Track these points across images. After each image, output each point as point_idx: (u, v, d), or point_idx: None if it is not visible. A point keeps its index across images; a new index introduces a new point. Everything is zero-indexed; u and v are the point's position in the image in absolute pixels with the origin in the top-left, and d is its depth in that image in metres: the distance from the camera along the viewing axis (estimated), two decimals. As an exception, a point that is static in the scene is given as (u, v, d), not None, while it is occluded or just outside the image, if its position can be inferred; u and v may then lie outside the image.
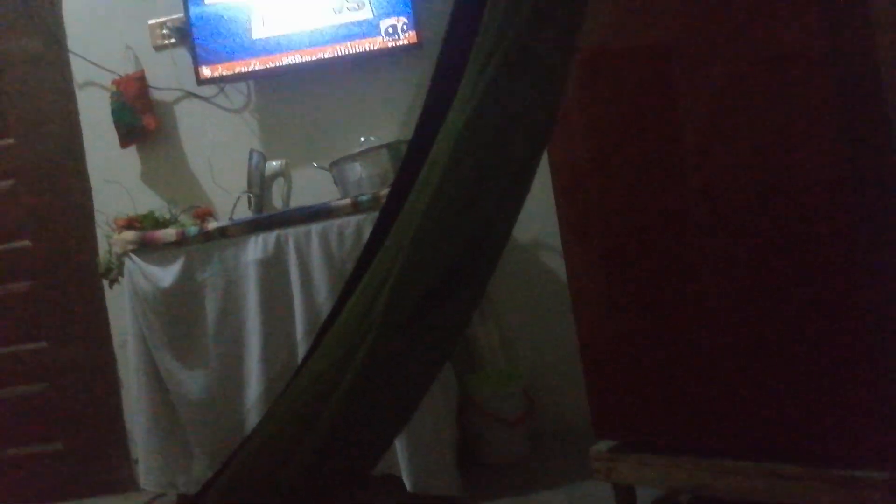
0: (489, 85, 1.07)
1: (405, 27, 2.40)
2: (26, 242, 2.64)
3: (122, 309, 2.23)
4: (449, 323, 1.12)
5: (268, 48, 2.44)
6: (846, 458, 1.29)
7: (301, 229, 2.04)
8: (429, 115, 1.24)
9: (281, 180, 2.37)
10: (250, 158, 2.31)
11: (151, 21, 2.61)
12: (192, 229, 2.12)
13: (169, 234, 2.13)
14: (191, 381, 2.08)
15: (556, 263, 2.37)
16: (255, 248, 2.06)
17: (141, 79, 2.57)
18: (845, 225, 1.27)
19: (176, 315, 2.10)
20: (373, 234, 1.34)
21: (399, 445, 1.91)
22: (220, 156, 2.59)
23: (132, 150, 2.64)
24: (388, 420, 1.16)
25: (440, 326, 1.11)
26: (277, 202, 2.36)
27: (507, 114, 1.08)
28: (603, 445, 1.63)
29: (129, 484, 2.56)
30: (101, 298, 2.62)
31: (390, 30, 2.40)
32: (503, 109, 1.08)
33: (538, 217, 2.07)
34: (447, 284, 1.08)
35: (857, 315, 1.27)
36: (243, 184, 2.30)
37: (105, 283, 2.31)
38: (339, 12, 2.41)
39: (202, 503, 1.28)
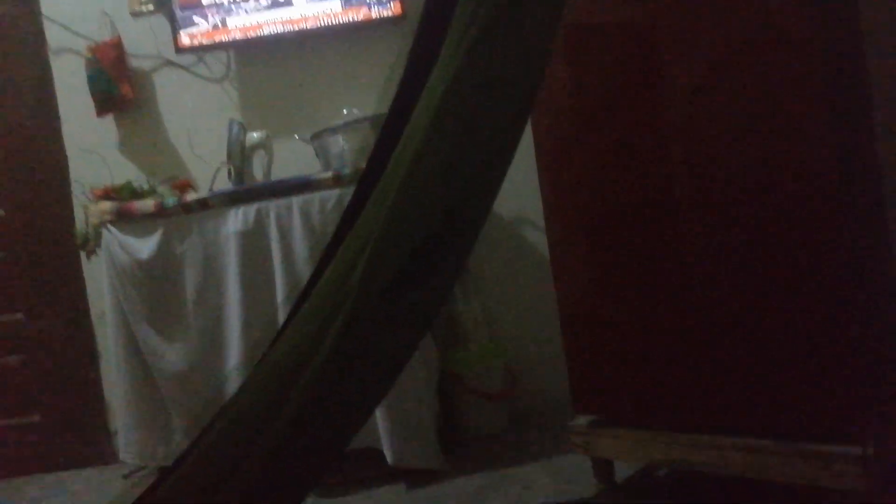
0: (470, 50, 1.05)
1: (389, -2, 2.36)
2: (1, 213, 2.59)
3: (100, 280, 2.21)
4: (428, 292, 1.10)
5: (250, 16, 2.39)
6: (820, 434, 1.31)
7: (282, 202, 2.02)
8: (408, 85, 1.22)
9: (262, 152, 2.33)
10: (230, 129, 2.27)
11: (129, -13, 2.55)
12: (171, 200, 2.09)
13: (147, 205, 2.10)
14: (170, 354, 2.07)
15: (538, 239, 2.37)
16: (235, 221, 2.04)
17: (118, 46, 2.51)
18: (827, 206, 1.28)
19: (155, 287, 2.07)
20: (351, 201, 1.31)
21: (380, 419, 1.92)
22: (199, 126, 2.55)
23: (109, 119, 2.58)
24: (364, 392, 1.15)
25: (419, 296, 1.09)
26: (258, 174, 2.33)
27: (488, 78, 1.06)
28: (582, 420, 1.65)
29: (108, 457, 2.55)
30: (79, 269, 2.59)
31: (374, 0, 2.37)
32: (485, 74, 1.06)
33: (521, 193, 2.07)
34: (426, 253, 1.07)
35: (830, 293, 1.29)
36: (223, 155, 2.27)
37: (82, 254, 2.28)
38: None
39: (176, 475, 1.27)
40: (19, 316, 2.59)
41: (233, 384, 1.97)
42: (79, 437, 2.59)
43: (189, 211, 2.07)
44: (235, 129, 2.27)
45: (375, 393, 1.20)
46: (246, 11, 2.40)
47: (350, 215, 1.25)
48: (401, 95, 1.24)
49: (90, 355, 2.62)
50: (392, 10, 2.36)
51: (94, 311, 2.60)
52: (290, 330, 1.21)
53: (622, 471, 1.70)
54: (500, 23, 1.05)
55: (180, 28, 2.42)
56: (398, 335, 1.11)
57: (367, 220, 1.12)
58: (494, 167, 1.10)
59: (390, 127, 1.24)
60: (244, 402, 1.22)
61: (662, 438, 1.51)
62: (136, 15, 2.57)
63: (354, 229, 1.15)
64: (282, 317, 1.94)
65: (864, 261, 1.35)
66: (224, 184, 2.26)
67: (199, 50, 2.48)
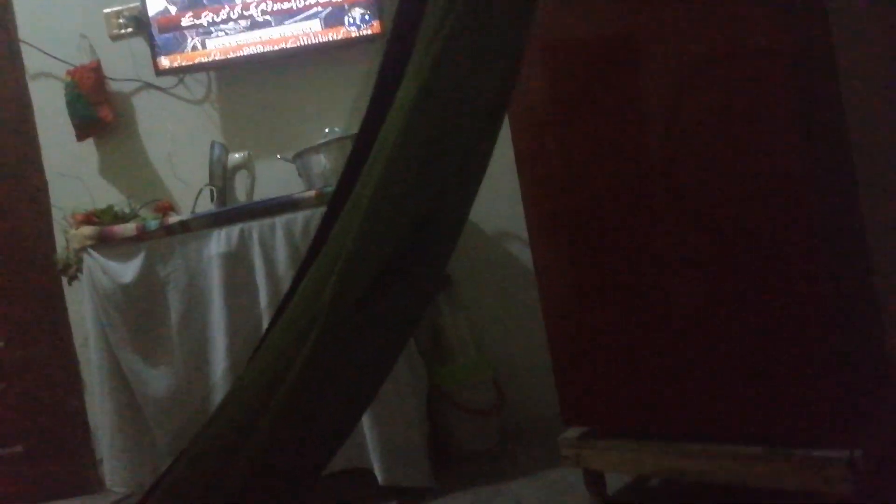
0: (435, 59, 1.05)
1: (368, 17, 2.37)
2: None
3: (82, 306, 2.18)
4: (401, 306, 1.09)
5: (230, 38, 2.40)
6: (808, 440, 1.32)
7: (265, 222, 2.01)
8: (378, 101, 1.22)
9: (244, 173, 2.33)
10: (212, 151, 2.27)
11: (107, 10, 2.55)
12: (153, 223, 2.07)
13: (128, 228, 2.08)
14: (155, 379, 2.04)
15: (523, 252, 2.37)
16: (218, 243, 2.03)
17: (97, 69, 2.50)
18: (803, 213, 1.29)
19: (138, 311, 2.05)
20: (324, 216, 1.30)
21: (369, 438, 1.91)
22: (180, 148, 2.54)
23: (89, 143, 2.57)
24: (340, 411, 1.12)
25: (392, 310, 1.08)
26: (241, 195, 2.32)
27: (455, 88, 1.06)
28: (571, 433, 1.64)
29: (94, 485, 2.51)
30: (61, 295, 2.56)
31: (354, 20, 2.38)
32: (451, 85, 1.06)
33: (505, 206, 2.08)
34: (397, 266, 1.05)
35: (817, 299, 1.29)
36: (205, 177, 2.26)
37: (64, 279, 2.25)
38: (305, 1, 2.38)
39: (153, 499, 1.24)
40: (0, 343, 2.55)
41: (217, 398, 1.95)
42: (64, 467, 2.54)
43: (171, 233, 2.06)
44: (217, 150, 2.27)
45: (353, 409, 1.17)
46: (226, 33, 2.41)
47: (323, 231, 1.24)
48: (371, 110, 1.24)
49: (74, 382, 2.58)
50: (371, 28, 2.38)
51: (76, 338, 2.56)
52: (264, 348, 1.20)
53: (614, 483, 1.69)
54: (465, 34, 1.05)
55: (159, 51, 2.41)
56: (373, 348, 1.10)
57: (338, 235, 1.11)
58: (467, 176, 1.09)
59: (362, 142, 1.24)
60: (218, 425, 1.20)
61: (653, 448, 1.50)
62: (114, 38, 2.56)
63: (326, 245, 1.14)
64: (267, 337, 1.93)
65: (843, 268, 1.36)
66: (207, 205, 2.24)
67: (179, 72, 2.48)
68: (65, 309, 2.58)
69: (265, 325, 1.96)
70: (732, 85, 1.34)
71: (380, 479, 1.91)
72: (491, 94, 1.08)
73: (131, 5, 2.51)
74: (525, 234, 1.72)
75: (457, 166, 1.07)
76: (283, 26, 2.39)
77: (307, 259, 1.26)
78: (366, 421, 1.90)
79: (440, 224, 1.08)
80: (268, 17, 2.39)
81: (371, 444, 1.90)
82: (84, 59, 2.52)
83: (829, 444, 1.28)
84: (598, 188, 1.54)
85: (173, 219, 2.10)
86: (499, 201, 2.11)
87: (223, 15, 2.40)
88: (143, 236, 2.06)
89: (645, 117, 1.45)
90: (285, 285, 1.95)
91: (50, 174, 2.59)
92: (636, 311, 1.52)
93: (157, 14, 2.41)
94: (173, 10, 2.41)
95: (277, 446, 1.10)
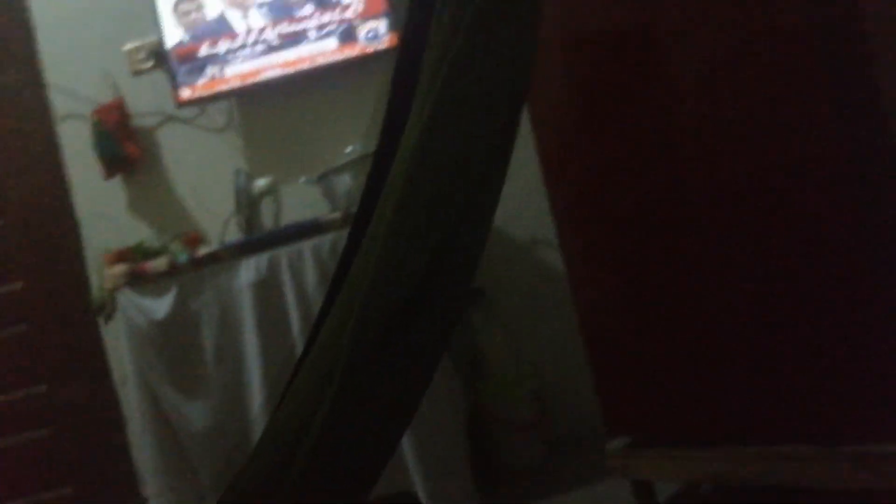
0: (445, 82, 1.03)
1: (382, 30, 2.36)
2: (18, 285, 2.61)
3: (120, 345, 2.21)
4: (422, 343, 1.08)
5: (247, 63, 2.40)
6: (860, 436, 1.27)
7: (293, 248, 2.01)
8: (390, 124, 1.21)
9: (269, 199, 2.33)
10: (236, 179, 2.28)
11: (128, 46, 2.57)
12: (183, 257, 2.09)
13: (160, 264, 2.11)
14: (193, 412, 2.06)
15: (555, 258, 2.32)
16: (247, 272, 2.03)
17: (120, 107, 2.53)
18: (846, 209, 1.25)
19: (173, 346, 2.07)
20: (346, 246, 1.30)
21: (411, 460, 1.89)
22: (205, 178, 2.55)
23: (117, 180, 2.60)
24: (370, 447, 1.12)
25: (413, 346, 1.07)
26: (268, 221, 2.33)
27: (467, 110, 1.04)
28: (618, 443, 1.60)
29: (142, 523, 2.54)
30: (98, 336, 2.59)
31: (370, 34, 2.36)
32: (463, 107, 1.04)
33: (532, 213, 2.04)
34: (414, 304, 1.04)
35: (860, 295, 1.25)
36: (231, 205, 2.27)
37: (100, 319, 2.28)
38: (318, 20, 2.37)
39: None
40: (43, 388, 2.59)
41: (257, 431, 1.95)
42: (112, 506, 2.58)
43: (201, 266, 2.07)
44: (241, 178, 2.28)
45: (384, 443, 1.17)
46: (243, 59, 2.41)
47: (343, 264, 1.23)
48: (385, 131, 1.23)
49: (117, 421, 2.61)
50: (387, 42, 2.36)
51: (116, 376, 2.59)
52: (293, 389, 1.19)
53: (664, 490, 1.64)
54: (473, 51, 1.02)
55: (180, 82, 2.43)
56: (398, 384, 1.09)
57: (356, 275, 1.11)
58: (481, 201, 1.08)
59: (375, 172, 1.23)
60: (256, 466, 1.19)
61: (702, 454, 1.46)
62: (136, 73, 2.59)
63: (346, 282, 1.13)
64: (301, 364, 1.92)
65: (889, 264, 1.30)
66: (235, 234, 2.25)
67: (200, 102, 2.49)
68: (103, 348, 2.61)
69: (299, 351, 1.96)
70: (763, 75, 1.29)
71: (423, 500, 1.89)
72: (503, 111, 1.06)
73: (150, 40, 2.53)
74: (554, 238, 1.69)
75: (470, 193, 1.05)
76: (299, 47, 2.39)
77: (329, 294, 1.26)
78: (406, 443, 1.89)
79: (456, 255, 1.07)
80: (283, 40, 2.39)
81: (413, 467, 1.89)
82: (108, 96, 2.55)
83: (883, 439, 1.23)
84: (630, 189, 1.50)
85: (203, 250, 2.12)
86: (525, 207, 2.07)
87: (239, 42, 2.41)
88: (174, 270, 2.08)
89: (674, 112, 1.40)
90: (316, 309, 1.94)
91: (81, 214, 2.63)
92: (673, 314, 1.48)
93: (175, 46, 2.43)
94: (190, 40, 2.43)
95: (312, 486, 1.09)
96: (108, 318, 2.20)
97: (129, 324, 2.09)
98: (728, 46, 1.32)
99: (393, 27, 2.34)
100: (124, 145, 2.51)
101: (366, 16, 2.36)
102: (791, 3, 1.24)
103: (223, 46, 2.41)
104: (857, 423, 1.28)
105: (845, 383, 1.28)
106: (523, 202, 1.93)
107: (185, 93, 2.44)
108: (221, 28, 2.41)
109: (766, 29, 1.28)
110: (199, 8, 2.40)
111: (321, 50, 2.38)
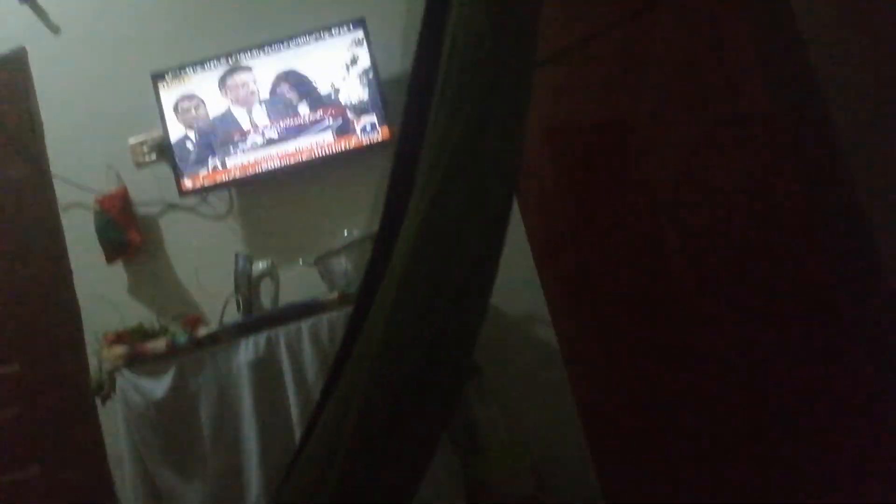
0: (445, 173, 1.10)
1: (376, 125, 2.47)
2: (16, 367, 2.61)
3: (115, 425, 2.19)
4: (426, 422, 1.11)
5: (248, 155, 2.51)
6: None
7: (291, 327, 2.05)
8: (391, 207, 1.28)
9: (268, 280, 2.38)
10: (236, 262, 2.33)
11: (132, 140, 2.68)
12: (182, 338, 2.12)
13: (159, 345, 2.12)
14: (190, 494, 2.03)
15: (548, 334, 2.37)
16: (246, 351, 2.06)
17: (124, 196, 2.61)
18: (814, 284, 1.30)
19: (170, 426, 2.07)
20: (344, 336, 1.35)
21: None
22: (206, 262, 2.61)
23: (118, 265, 2.65)
24: None
25: (417, 428, 1.10)
26: (266, 302, 2.37)
27: (465, 200, 1.10)
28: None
29: None
30: (95, 417, 2.57)
31: (367, 128, 2.48)
32: (461, 198, 1.11)
33: (524, 291, 2.09)
34: (419, 381, 1.08)
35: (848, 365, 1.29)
36: (231, 286, 2.31)
37: (98, 400, 2.28)
38: (316, 115, 2.50)
39: None
40: (37, 470, 2.55)
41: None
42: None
43: (201, 346, 2.09)
44: (241, 261, 2.33)
45: None
46: (244, 151, 2.52)
47: (343, 352, 1.28)
48: (385, 218, 1.30)
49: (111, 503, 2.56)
50: (381, 135, 2.47)
51: (111, 457, 2.56)
52: (294, 472, 1.21)
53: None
54: (460, 170, 1.10)
55: (182, 173, 2.53)
56: (402, 464, 1.11)
57: (355, 367, 1.15)
58: (477, 286, 1.12)
59: (376, 258, 1.29)
60: None
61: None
62: (140, 165, 2.68)
63: (345, 374, 1.17)
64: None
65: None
66: (234, 315, 2.29)
67: (202, 191, 2.58)
68: (100, 430, 2.58)
69: (296, 430, 1.96)
70: (735, 148, 1.37)
71: (423, 583, 1.84)
72: (497, 200, 1.13)
73: (154, 134, 2.64)
74: (547, 315, 1.73)
75: (469, 273, 1.10)
76: (297, 140, 2.50)
77: (329, 381, 1.29)
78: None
79: (453, 340, 1.10)
80: (282, 134, 2.51)
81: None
82: (111, 187, 2.64)
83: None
84: (614, 262, 1.56)
85: (202, 331, 2.14)
86: (518, 286, 2.12)
87: (245, 137, 2.52)
88: (173, 351, 2.10)
89: (655, 187, 1.48)
90: (315, 390, 1.96)
91: (81, 297, 2.66)
92: (666, 388, 1.51)
93: (179, 140, 2.54)
94: (193, 135, 2.54)
95: None
96: (106, 398, 2.20)
97: (127, 404, 2.09)
98: (700, 130, 1.42)
99: (385, 121, 2.46)
100: (127, 232, 2.58)
101: (361, 112, 2.48)
102: (753, 92, 1.34)
103: (230, 141, 2.52)
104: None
105: (832, 464, 1.31)
106: (516, 281, 1.98)
107: (188, 183, 2.54)
108: (229, 125, 2.52)
109: (734, 114, 1.38)
110: (198, 107, 2.53)
111: (318, 143, 2.49)
